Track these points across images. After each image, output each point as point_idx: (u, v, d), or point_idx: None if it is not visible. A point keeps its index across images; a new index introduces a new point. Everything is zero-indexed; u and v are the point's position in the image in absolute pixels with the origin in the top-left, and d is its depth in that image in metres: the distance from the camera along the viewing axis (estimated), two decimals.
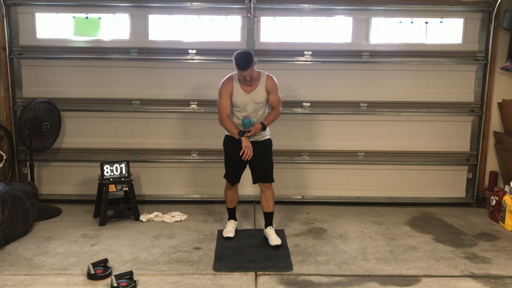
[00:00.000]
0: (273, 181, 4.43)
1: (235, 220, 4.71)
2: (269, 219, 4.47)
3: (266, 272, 3.84)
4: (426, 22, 5.55)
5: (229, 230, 4.58)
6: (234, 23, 5.54)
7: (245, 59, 4.08)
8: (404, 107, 5.64)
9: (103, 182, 5.04)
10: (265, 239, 4.48)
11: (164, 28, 5.55)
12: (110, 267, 3.78)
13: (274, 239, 4.38)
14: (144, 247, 4.36)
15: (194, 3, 5.45)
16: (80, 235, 4.65)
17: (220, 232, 4.67)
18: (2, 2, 5.34)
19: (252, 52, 4.21)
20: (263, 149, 4.38)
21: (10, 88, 5.52)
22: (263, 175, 4.39)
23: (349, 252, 4.29)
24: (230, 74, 4.33)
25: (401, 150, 5.72)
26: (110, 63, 5.54)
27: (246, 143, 4.20)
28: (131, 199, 5.12)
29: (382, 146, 5.72)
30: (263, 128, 4.28)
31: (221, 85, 4.35)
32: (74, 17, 5.47)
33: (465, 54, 5.58)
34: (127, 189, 5.13)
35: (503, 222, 4.98)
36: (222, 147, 5.62)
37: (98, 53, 5.51)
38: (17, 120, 5.09)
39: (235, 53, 4.16)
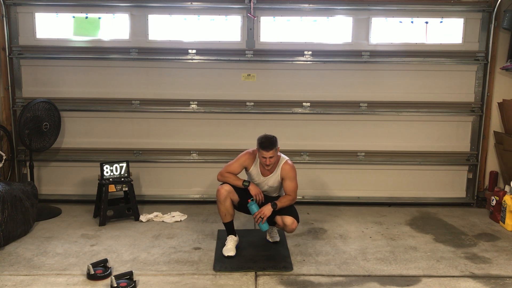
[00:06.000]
0: (297, 218, 4.13)
1: (235, 235, 4.26)
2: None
3: (266, 272, 3.83)
4: (426, 22, 5.55)
5: (230, 248, 4.14)
6: (234, 23, 5.54)
7: (268, 141, 4.01)
8: (404, 107, 5.64)
9: (103, 182, 5.03)
10: (264, 238, 4.50)
11: (164, 28, 5.54)
12: (110, 267, 3.78)
13: (275, 236, 4.46)
14: (144, 247, 4.35)
15: (194, 3, 5.45)
16: (80, 235, 4.65)
17: (220, 232, 4.66)
18: (2, 2, 5.33)
19: (276, 137, 4.09)
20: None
21: (10, 88, 5.52)
22: (281, 212, 4.09)
23: (349, 252, 4.29)
24: (255, 149, 4.19)
25: (401, 150, 5.72)
26: (110, 63, 5.54)
27: (255, 190, 4.07)
28: (131, 199, 5.11)
29: (382, 146, 5.71)
30: (273, 206, 4.03)
31: (243, 153, 4.25)
32: (74, 17, 5.47)
33: (465, 54, 5.58)
34: (127, 189, 5.13)
35: (503, 222, 4.97)
36: (221, 147, 5.66)
37: (98, 53, 5.51)
38: (17, 120, 5.08)
39: (261, 135, 4.09)
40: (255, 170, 4.19)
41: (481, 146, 5.72)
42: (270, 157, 4.01)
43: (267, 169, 4.13)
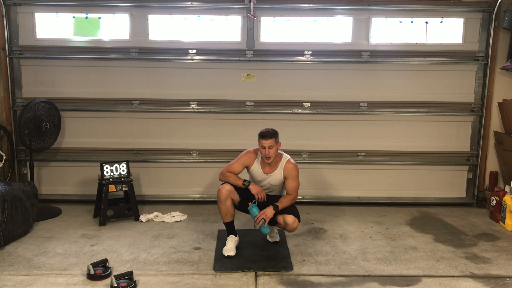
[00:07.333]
0: (298, 217, 4.11)
1: (236, 235, 4.25)
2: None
3: (266, 272, 3.83)
4: (426, 22, 5.55)
5: (230, 248, 4.13)
6: (234, 23, 5.54)
7: (268, 131, 4.06)
8: (404, 107, 5.64)
9: (103, 182, 5.03)
10: (265, 238, 4.49)
11: (164, 28, 5.54)
12: (110, 267, 3.78)
13: (275, 236, 4.45)
14: (144, 247, 4.35)
15: (194, 3, 5.45)
16: (80, 235, 4.65)
17: (220, 232, 4.67)
18: (2, 2, 5.33)
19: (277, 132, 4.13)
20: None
21: (10, 88, 5.52)
22: (282, 211, 4.07)
23: (349, 252, 4.29)
24: (256, 148, 4.21)
25: (401, 150, 5.71)
26: (110, 63, 5.54)
27: (256, 189, 4.06)
28: (131, 199, 5.11)
29: (382, 146, 5.71)
30: (275, 208, 4.01)
31: (244, 152, 4.25)
32: (74, 17, 5.47)
33: (465, 54, 5.58)
34: (127, 189, 5.13)
35: (503, 222, 4.98)
36: (221, 147, 5.66)
37: (98, 53, 5.51)
38: (17, 120, 5.08)
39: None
40: (256, 167, 4.18)
41: (481, 146, 5.72)
42: (270, 147, 4.01)
43: (267, 162, 4.10)
